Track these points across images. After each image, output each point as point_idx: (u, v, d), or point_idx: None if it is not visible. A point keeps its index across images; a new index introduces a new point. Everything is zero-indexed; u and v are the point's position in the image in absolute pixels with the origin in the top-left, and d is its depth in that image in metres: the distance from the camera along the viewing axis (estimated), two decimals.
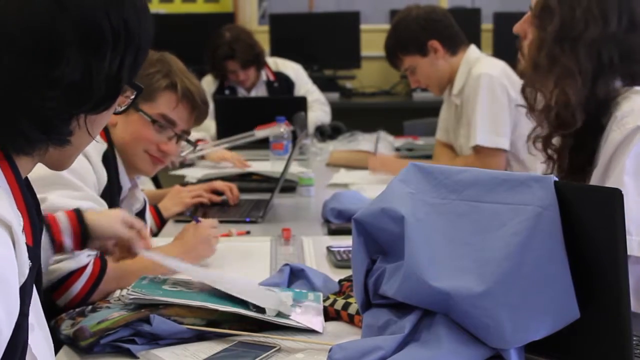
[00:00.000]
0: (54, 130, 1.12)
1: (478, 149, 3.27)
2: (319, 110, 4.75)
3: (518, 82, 3.31)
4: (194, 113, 2.30)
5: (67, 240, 1.74)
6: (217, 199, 2.92)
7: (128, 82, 1.19)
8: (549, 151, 1.97)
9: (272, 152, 3.63)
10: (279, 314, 1.62)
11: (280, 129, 3.64)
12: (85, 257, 1.91)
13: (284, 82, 4.84)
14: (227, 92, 4.80)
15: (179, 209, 2.81)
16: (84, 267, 1.89)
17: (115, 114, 1.25)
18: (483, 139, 3.25)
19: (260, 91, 4.85)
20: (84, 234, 1.75)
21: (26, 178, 1.20)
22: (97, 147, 2.09)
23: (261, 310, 1.62)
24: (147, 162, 2.27)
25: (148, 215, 2.45)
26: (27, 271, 1.08)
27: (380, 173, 3.43)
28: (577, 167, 1.93)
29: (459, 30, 3.43)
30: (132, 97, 1.26)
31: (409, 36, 3.37)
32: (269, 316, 1.61)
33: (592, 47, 1.87)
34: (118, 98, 1.18)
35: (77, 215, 1.76)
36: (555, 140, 1.96)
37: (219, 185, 2.98)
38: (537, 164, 3.19)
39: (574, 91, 1.86)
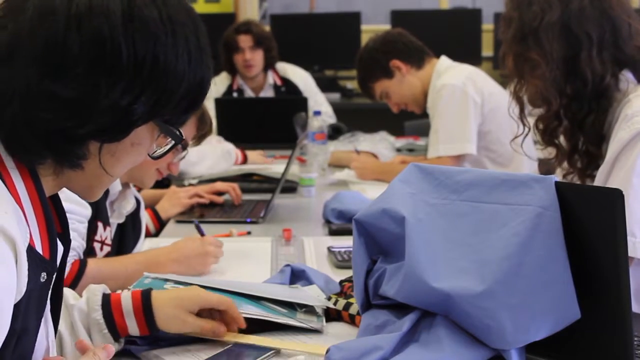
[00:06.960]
0: (57, 146, 1.11)
1: (442, 160, 3.27)
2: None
3: (488, 86, 3.37)
4: (200, 132, 2.37)
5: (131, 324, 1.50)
6: (218, 199, 2.92)
7: (149, 119, 1.14)
8: (556, 142, 1.97)
9: (315, 143, 3.63)
10: (290, 313, 1.63)
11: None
12: None
13: (291, 88, 4.84)
14: (235, 94, 4.81)
15: (177, 210, 2.80)
16: None
17: (152, 158, 1.21)
18: (445, 149, 3.30)
19: (267, 95, 4.85)
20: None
21: (56, 196, 1.20)
22: None
23: (291, 311, 1.64)
24: (154, 178, 2.29)
25: (143, 215, 2.44)
26: (24, 288, 1.08)
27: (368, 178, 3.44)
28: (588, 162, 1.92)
29: (420, 45, 3.52)
30: (171, 144, 1.20)
31: (371, 64, 3.49)
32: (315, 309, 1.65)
33: (554, 29, 1.87)
34: (131, 132, 1.13)
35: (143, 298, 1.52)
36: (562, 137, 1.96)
37: (221, 186, 2.97)
38: (520, 164, 3.22)
39: (543, 78, 1.88)
